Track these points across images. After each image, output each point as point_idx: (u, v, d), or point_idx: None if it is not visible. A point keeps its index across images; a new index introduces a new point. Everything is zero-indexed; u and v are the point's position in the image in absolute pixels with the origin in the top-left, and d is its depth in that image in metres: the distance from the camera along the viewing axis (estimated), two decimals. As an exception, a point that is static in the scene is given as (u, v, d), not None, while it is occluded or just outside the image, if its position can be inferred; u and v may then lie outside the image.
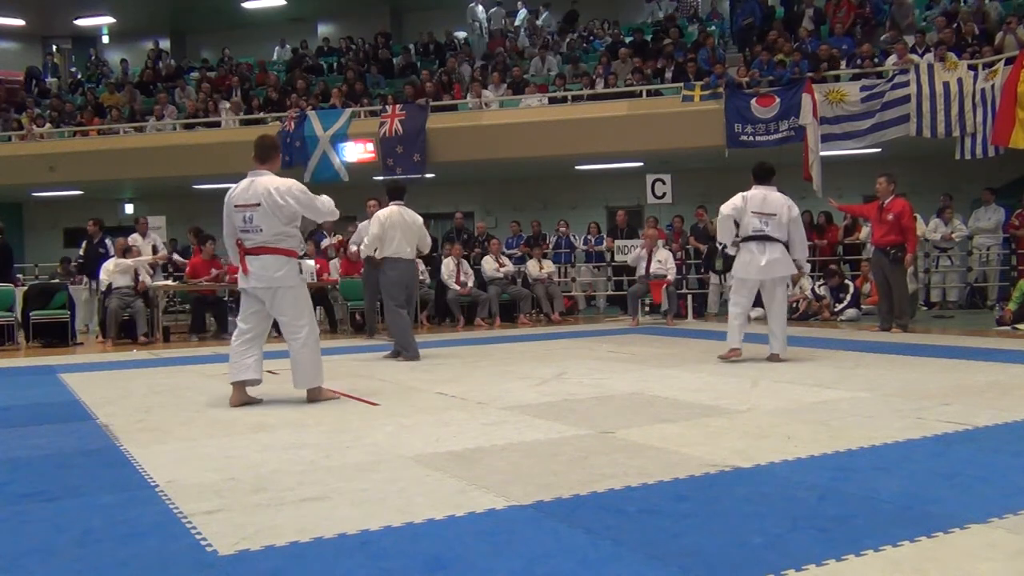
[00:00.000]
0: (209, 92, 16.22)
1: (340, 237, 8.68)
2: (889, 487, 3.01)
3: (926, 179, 13.39)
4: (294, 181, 5.27)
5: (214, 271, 10.65)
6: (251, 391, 5.27)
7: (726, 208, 6.88)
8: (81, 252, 12.43)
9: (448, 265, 11.60)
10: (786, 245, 6.79)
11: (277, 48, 19.78)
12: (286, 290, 5.14)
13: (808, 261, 11.01)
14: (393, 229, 7.42)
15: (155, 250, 11.96)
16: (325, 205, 5.32)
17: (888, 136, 11.62)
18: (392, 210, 7.50)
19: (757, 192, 6.92)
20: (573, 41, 16.74)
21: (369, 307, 9.81)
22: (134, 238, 12.17)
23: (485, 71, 15.38)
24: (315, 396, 5.26)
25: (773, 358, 6.75)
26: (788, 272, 6.89)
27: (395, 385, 5.97)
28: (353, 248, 8.63)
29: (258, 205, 5.06)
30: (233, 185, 5.25)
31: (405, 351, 7.48)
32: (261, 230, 5.08)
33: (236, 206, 5.14)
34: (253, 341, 5.23)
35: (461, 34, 18.54)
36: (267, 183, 5.11)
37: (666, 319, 11.05)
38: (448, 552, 2.44)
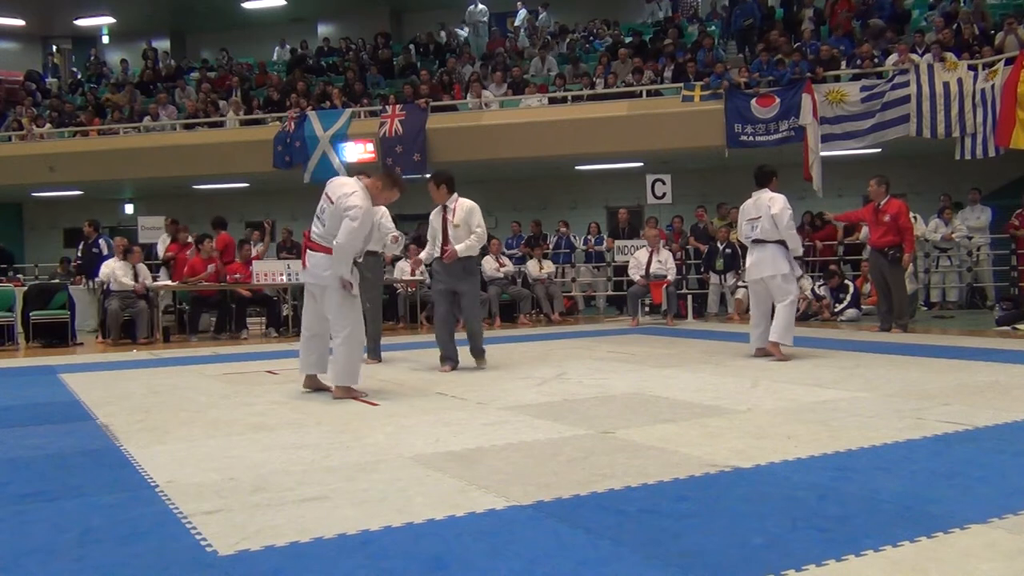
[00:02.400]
0: (209, 92, 16.23)
1: (395, 234, 7.59)
2: (889, 487, 3.01)
3: (926, 179, 13.40)
4: (367, 208, 5.22)
5: (211, 268, 10.62)
6: (321, 377, 5.58)
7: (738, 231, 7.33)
8: (79, 253, 12.44)
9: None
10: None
11: (277, 48, 19.79)
12: (333, 290, 5.29)
13: (804, 260, 11.00)
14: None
15: None
16: (347, 246, 5.19)
17: (888, 136, 11.62)
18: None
19: (750, 199, 7.11)
20: (573, 41, 16.75)
21: (374, 317, 7.53)
22: (164, 239, 12.20)
23: (485, 71, 15.39)
24: (341, 394, 5.33)
25: (766, 349, 6.86)
26: (774, 271, 6.89)
27: (395, 385, 5.97)
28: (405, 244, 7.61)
29: (332, 202, 5.28)
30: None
31: (482, 355, 6.99)
32: (325, 225, 5.30)
33: (325, 193, 5.39)
34: (315, 340, 5.53)
35: (463, 33, 18.56)
36: (352, 189, 5.25)
37: (666, 319, 11.05)
38: (448, 552, 2.44)
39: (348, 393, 5.33)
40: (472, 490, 3.08)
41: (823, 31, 14.01)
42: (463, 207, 6.72)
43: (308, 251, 5.38)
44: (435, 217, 6.81)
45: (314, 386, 5.61)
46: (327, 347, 5.58)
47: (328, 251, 5.26)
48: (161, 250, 12.24)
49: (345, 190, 5.26)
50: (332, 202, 5.28)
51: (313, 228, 5.41)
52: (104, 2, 20.05)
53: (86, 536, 2.68)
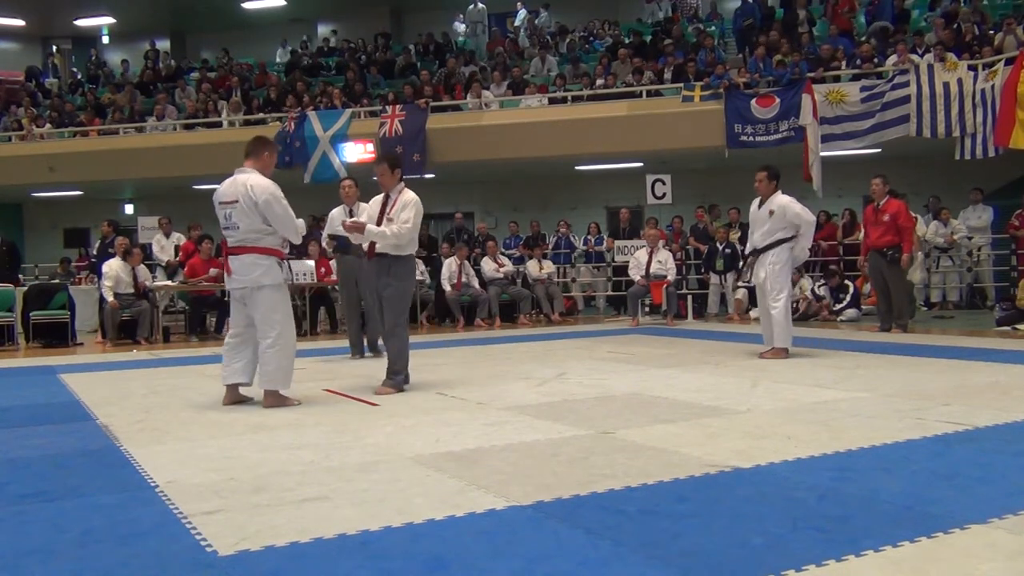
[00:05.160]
0: (209, 92, 16.23)
1: None
2: (889, 487, 3.01)
3: (926, 179, 13.40)
4: (272, 184, 5.08)
5: (213, 271, 10.63)
6: (243, 390, 5.30)
7: (811, 215, 7.11)
8: (94, 251, 12.42)
9: (450, 266, 11.58)
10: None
11: (279, 49, 19.80)
12: (261, 289, 5.04)
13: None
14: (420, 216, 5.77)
15: (177, 251, 12.00)
16: (290, 222, 5.05)
17: (888, 136, 11.63)
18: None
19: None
20: (573, 41, 16.76)
21: (351, 314, 7.99)
22: (158, 239, 12.23)
23: (485, 71, 15.40)
24: (272, 401, 5.05)
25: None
26: None
27: (395, 385, 5.95)
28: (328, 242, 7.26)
29: (236, 202, 5.01)
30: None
31: (402, 375, 5.72)
32: (239, 227, 5.03)
33: (220, 203, 5.12)
34: (242, 345, 5.22)
35: (460, 27, 18.58)
36: (245, 180, 5.04)
37: (666, 319, 11.05)
38: (448, 552, 2.44)
39: (278, 400, 5.06)
40: (472, 490, 3.08)
41: (822, 28, 14.02)
42: (403, 200, 5.67)
43: (231, 257, 5.08)
44: (374, 205, 5.80)
45: (235, 399, 5.23)
46: (254, 354, 5.18)
47: (257, 250, 5.03)
48: (156, 250, 12.24)
49: (241, 184, 5.00)
50: (235, 202, 4.98)
51: (228, 239, 5.10)
52: (104, 2, 20.05)
53: (86, 536, 2.68)
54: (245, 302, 5.14)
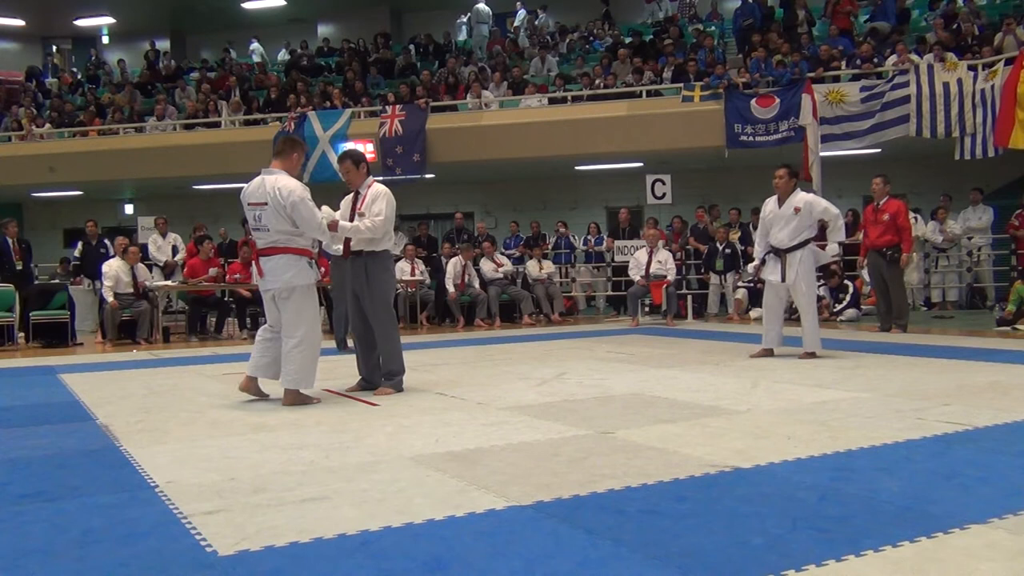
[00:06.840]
0: (209, 92, 16.24)
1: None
2: (889, 487, 3.01)
3: (926, 179, 13.40)
4: (300, 185, 5.13)
5: (212, 271, 10.64)
6: (262, 387, 5.37)
7: (837, 208, 7.12)
8: (77, 253, 12.42)
9: (455, 266, 11.57)
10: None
11: (282, 49, 19.80)
12: (292, 289, 5.11)
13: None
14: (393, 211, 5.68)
15: (175, 250, 12.00)
16: (314, 223, 5.12)
17: (888, 136, 11.63)
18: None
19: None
20: (573, 42, 16.76)
21: (340, 313, 8.11)
22: (154, 239, 12.24)
23: (485, 71, 15.40)
24: (293, 399, 5.12)
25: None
26: None
27: (395, 385, 5.95)
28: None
29: (265, 204, 5.05)
30: (247, 184, 5.28)
31: (399, 376, 5.67)
32: (269, 229, 5.08)
33: (248, 204, 5.17)
34: (275, 342, 5.28)
35: (463, 26, 18.56)
36: (274, 181, 5.06)
37: (666, 319, 11.05)
38: (448, 552, 2.44)
39: (298, 399, 5.13)
40: (472, 490, 3.08)
41: (822, 28, 14.00)
42: (373, 193, 5.61)
43: (262, 258, 5.14)
44: (346, 204, 5.74)
45: (253, 392, 5.34)
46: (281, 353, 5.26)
47: (289, 251, 5.09)
48: (153, 249, 12.25)
49: (270, 186, 5.01)
50: (264, 204, 5.02)
51: (257, 240, 5.19)
52: (104, 2, 20.05)
53: (86, 536, 2.68)
54: (277, 303, 5.20)
